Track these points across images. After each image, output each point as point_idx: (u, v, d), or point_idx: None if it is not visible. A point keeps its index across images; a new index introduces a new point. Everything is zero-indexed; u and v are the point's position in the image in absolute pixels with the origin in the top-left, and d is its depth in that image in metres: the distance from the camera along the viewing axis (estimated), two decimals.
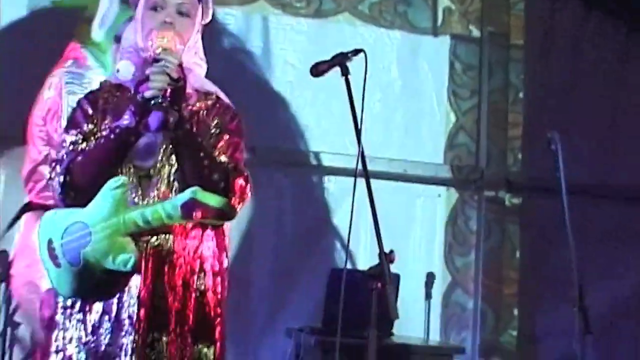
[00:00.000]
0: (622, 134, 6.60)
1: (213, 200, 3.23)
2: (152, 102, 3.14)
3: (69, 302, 3.37)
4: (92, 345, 3.32)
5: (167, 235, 3.32)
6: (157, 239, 3.31)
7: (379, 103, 6.29)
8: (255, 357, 6.10)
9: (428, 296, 6.04)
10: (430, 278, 6.05)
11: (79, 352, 3.32)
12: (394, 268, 5.45)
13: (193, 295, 3.37)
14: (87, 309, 3.33)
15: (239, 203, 3.33)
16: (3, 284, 5.25)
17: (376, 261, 3.35)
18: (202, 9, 3.46)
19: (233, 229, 4.51)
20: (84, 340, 3.33)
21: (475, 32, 6.55)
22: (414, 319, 6.06)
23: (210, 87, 3.54)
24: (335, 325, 4.63)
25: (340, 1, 6.31)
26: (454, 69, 6.50)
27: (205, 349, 3.37)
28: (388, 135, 6.30)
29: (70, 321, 3.36)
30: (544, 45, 6.59)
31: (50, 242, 3.32)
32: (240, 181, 3.34)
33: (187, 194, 3.19)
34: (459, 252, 6.41)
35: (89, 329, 3.33)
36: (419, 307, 6.05)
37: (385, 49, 6.37)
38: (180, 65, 3.22)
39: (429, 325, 6.03)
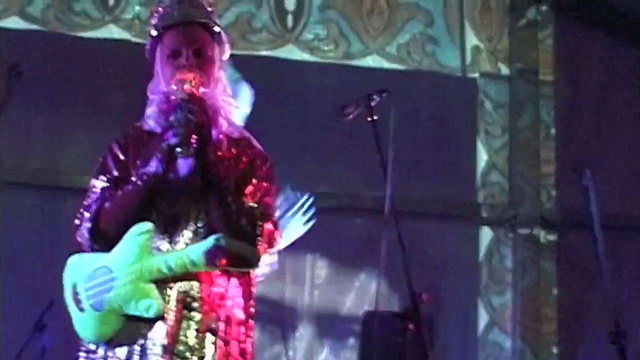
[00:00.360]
0: None
1: (237, 247, 3.20)
2: (178, 150, 3.13)
3: (92, 347, 3.34)
4: None
5: (193, 282, 3.27)
6: (182, 286, 3.27)
7: (409, 144, 6.15)
8: None
9: (468, 338, 6.21)
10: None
11: None
12: (426, 308, 4.99)
13: (217, 344, 3.32)
14: (111, 355, 3.28)
15: (267, 248, 3.31)
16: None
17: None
18: (219, 45, 3.46)
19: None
20: None
21: (504, 70, 6.56)
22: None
23: (241, 131, 3.50)
24: None
25: (367, 43, 6.36)
26: (484, 108, 6.50)
27: None
28: (419, 175, 6.25)
29: None
30: (574, 80, 6.60)
31: (74, 286, 3.32)
32: (268, 226, 3.30)
33: (210, 240, 3.15)
34: (496, 291, 6.34)
35: None
36: (457, 348, 6.19)
37: (414, 90, 6.35)
38: (205, 109, 3.19)
39: None
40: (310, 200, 4.52)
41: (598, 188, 4.50)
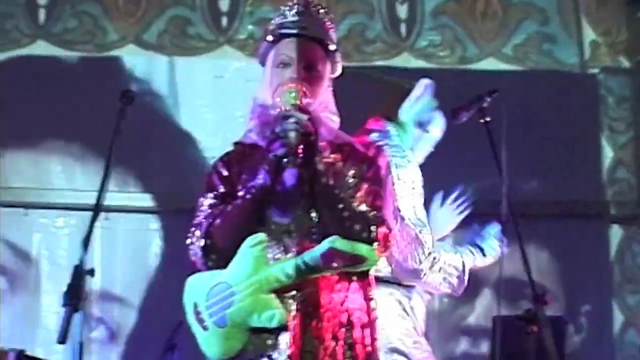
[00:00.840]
0: None
1: (352, 247, 3.23)
2: (285, 160, 3.17)
3: None
4: None
5: (313, 289, 3.31)
6: (302, 294, 3.31)
7: (531, 144, 6.18)
8: None
9: (603, 340, 6.09)
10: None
11: None
12: (558, 310, 5.69)
13: (342, 349, 3.33)
14: None
15: (383, 251, 3.34)
16: None
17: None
18: (330, 63, 3.49)
19: None
20: None
21: (625, 63, 6.45)
22: None
23: (345, 137, 3.54)
24: None
25: (483, 47, 6.34)
26: (606, 103, 6.40)
27: None
28: (543, 176, 6.22)
29: None
30: None
31: (195, 306, 3.37)
32: (382, 229, 3.33)
33: (325, 244, 3.20)
34: (630, 289, 6.24)
35: None
36: (592, 350, 6.06)
37: (533, 89, 6.29)
38: (310, 119, 3.24)
39: None
40: (464, 191, 4.47)
41: None
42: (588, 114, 6.37)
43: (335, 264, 3.19)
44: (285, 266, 3.22)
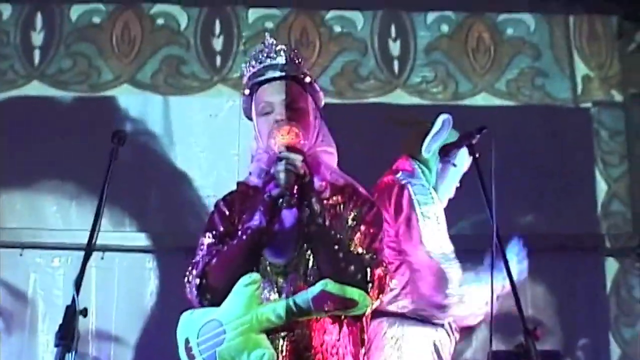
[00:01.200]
0: None
1: (345, 291, 3.21)
2: (280, 200, 3.20)
3: None
4: None
5: (304, 331, 3.30)
6: (293, 335, 3.29)
7: (526, 179, 6.22)
8: None
9: None
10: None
11: None
12: (555, 344, 5.75)
13: None
14: None
15: (378, 295, 3.31)
16: None
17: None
18: (311, 95, 3.53)
19: None
20: None
21: (618, 97, 6.43)
22: None
23: (346, 178, 3.54)
24: None
25: (476, 82, 6.32)
26: (599, 136, 6.36)
27: None
28: (539, 209, 6.18)
29: None
30: None
31: (187, 341, 3.36)
32: (378, 271, 3.30)
33: (317, 286, 3.19)
34: (626, 322, 6.15)
35: None
36: None
37: (527, 124, 6.32)
38: (304, 160, 3.24)
39: None
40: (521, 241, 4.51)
41: None
42: (582, 148, 6.36)
43: (326, 307, 3.18)
44: (276, 307, 3.22)
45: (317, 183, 3.40)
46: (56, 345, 3.23)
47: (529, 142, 6.24)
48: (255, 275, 3.27)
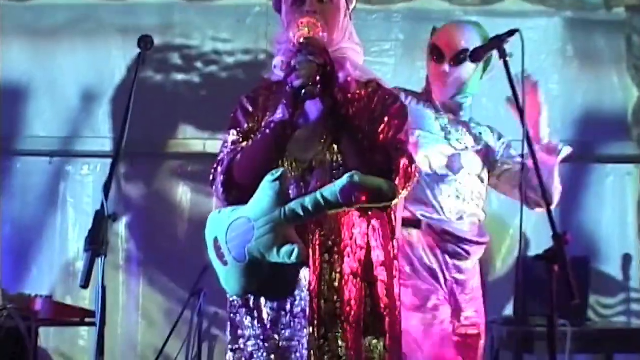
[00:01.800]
0: None
1: (372, 181, 3.20)
2: (303, 91, 3.16)
3: (242, 301, 3.45)
4: (272, 341, 3.37)
5: (333, 225, 3.31)
6: (322, 229, 3.30)
7: (556, 85, 6.25)
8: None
9: (627, 278, 6.12)
10: (627, 259, 6.12)
11: (259, 350, 3.38)
12: (584, 251, 5.86)
13: (361, 284, 3.37)
14: (263, 305, 3.40)
15: (404, 183, 3.29)
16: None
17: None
18: None
19: None
20: (262, 337, 3.38)
21: None
22: (613, 302, 6.19)
23: (370, 74, 3.54)
24: (526, 316, 5.31)
25: None
26: (631, 42, 6.31)
27: (374, 341, 3.35)
28: (569, 116, 6.21)
29: (246, 318, 3.43)
30: None
31: (216, 240, 3.38)
32: (403, 161, 3.30)
33: (344, 178, 3.15)
34: None
35: (268, 325, 3.38)
36: (617, 290, 6.15)
37: (558, 30, 6.33)
38: (325, 50, 3.23)
39: (630, 308, 6.15)
40: None
41: None
42: (614, 54, 6.33)
43: (354, 199, 3.16)
44: (304, 201, 3.20)
45: (342, 78, 3.40)
46: (86, 251, 3.23)
47: (561, 47, 6.28)
48: (282, 169, 3.24)
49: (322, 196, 3.15)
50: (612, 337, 5.80)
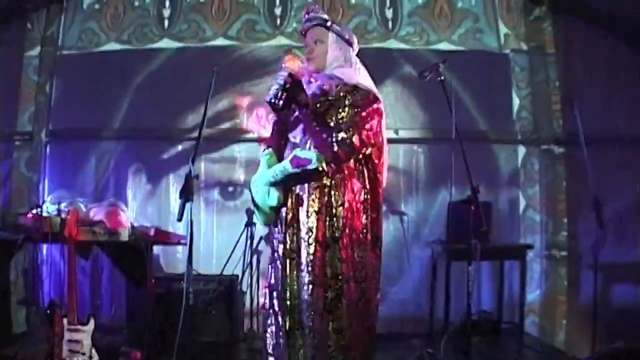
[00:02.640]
0: (617, 99, 7.48)
1: (306, 154, 3.83)
2: (271, 102, 3.83)
3: (270, 228, 4.23)
4: (285, 253, 4.08)
5: (305, 184, 4.00)
6: (298, 187, 4.01)
7: (470, 96, 7.56)
8: (408, 260, 7.38)
9: (513, 215, 7.46)
10: (512, 203, 7.42)
11: (277, 259, 4.12)
12: (487, 197, 6.64)
13: (322, 218, 4.00)
14: (281, 231, 4.11)
15: (344, 154, 3.93)
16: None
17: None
18: (332, 33, 4.18)
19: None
20: (281, 250, 4.10)
21: (524, 47, 7.73)
22: (506, 230, 7.45)
23: (359, 82, 4.06)
24: (454, 238, 6.27)
25: (440, 35, 7.60)
26: (514, 71, 7.74)
27: (358, 252, 4.03)
28: (479, 115, 7.57)
29: (274, 237, 4.19)
30: (566, 51, 7.63)
31: (251, 194, 4.22)
32: (341, 134, 3.89)
33: (293, 152, 3.91)
34: (529, 185, 7.62)
35: (286, 243, 4.08)
36: (507, 222, 7.47)
37: (470, 63, 7.55)
38: (290, 75, 3.83)
39: (513, 232, 7.48)
40: None
41: (583, 116, 5.64)
42: (504, 77, 7.78)
43: (298, 166, 3.84)
44: (275, 168, 3.97)
45: (327, 86, 3.97)
46: (180, 198, 3.90)
47: (472, 73, 7.47)
48: (268, 150, 4.04)
49: (283, 166, 3.94)
50: (503, 251, 7.00)
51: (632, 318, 6.75)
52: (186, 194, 3.84)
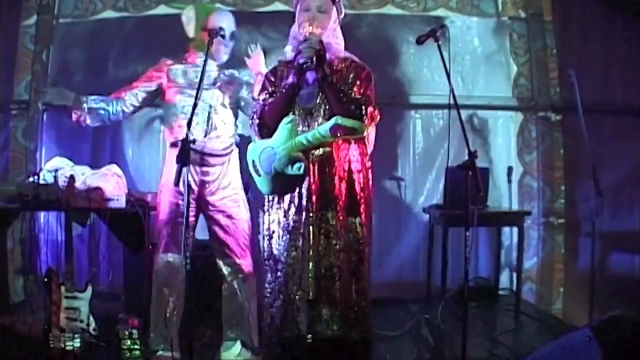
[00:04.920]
0: (612, 67, 7.46)
1: (350, 122, 3.80)
2: (305, 65, 3.80)
3: (270, 198, 4.10)
4: (285, 223, 4.02)
5: (326, 149, 3.93)
6: (319, 152, 3.93)
7: (469, 63, 7.51)
8: (405, 226, 7.40)
9: (509, 182, 7.33)
10: (510, 170, 7.35)
11: (277, 229, 4.07)
12: (485, 164, 6.77)
13: (345, 185, 3.97)
14: (282, 200, 4.04)
15: (370, 123, 3.90)
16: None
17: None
18: (336, 8, 4.12)
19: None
20: (280, 220, 4.04)
21: (523, 14, 7.60)
22: (503, 197, 7.40)
23: (347, 55, 4.09)
24: (451, 203, 6.18)
25: (437, 1, 7.51)
26: (512, 38, 7.62)
27: (354, 219, 3.99)
28: (477, 81, 7.48)
29: (272, 208, 4.12)
30: (565, 19, 7.53)
31: (253, 162, 4.03)
32: (370, 109, 3.86)
33: (332, 121, 3.79)
34: (527, 152, 7.56)
35: (282, 213, 4.04)
36: (505, 189, 7.38)
37: (468, 28, 7.53)
38: (320, 41, 3.82)
39: (511, 199, 7.38)
40: None
41: (581, 84, 5.64)
42: (502, 44, 7.62)
43: (339, 134, 3.80)
44: (307, 135, 3.83)
45: (329, 57, 3.93)
46: (177, 162, 3.95)
47: (470, 39, 7.46)
48: (292, 116, 3.88)
49: (318, 132, 3.81)
50: (500, 217, 6.93)
51: (629, 286, 6.80)
52: (183, 159, 3.88)
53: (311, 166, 3.89)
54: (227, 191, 4.94)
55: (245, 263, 4.99)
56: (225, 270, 4.99)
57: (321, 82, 3.86)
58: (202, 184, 4.88)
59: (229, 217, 4.94)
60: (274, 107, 3.99)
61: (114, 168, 5.70)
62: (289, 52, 4.03)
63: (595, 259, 5.76)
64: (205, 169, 4.81)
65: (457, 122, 4.16)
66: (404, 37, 7.39)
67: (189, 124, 3.91)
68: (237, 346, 5.04)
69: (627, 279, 6.99)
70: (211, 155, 4.80)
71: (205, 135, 4.76)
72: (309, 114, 3.96)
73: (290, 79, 3.90)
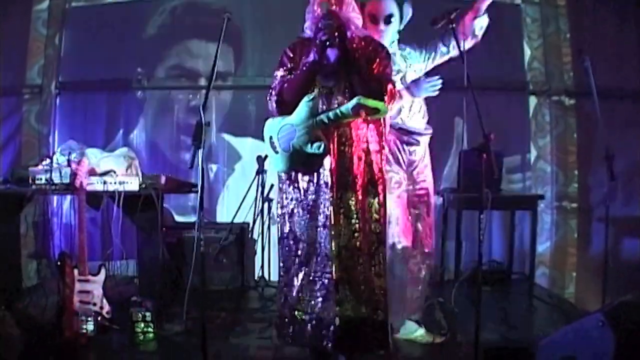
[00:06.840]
0: (626, 53, 7.43)
1: (372, 102, 3.75)
2: (327, 42, 3.74)
3: (287, 176, 4.02)
4: (304, 201, 3.97)
5: (346, 128, 3.87)
6: (339, 131, 3.88)
7: (483, 46, 5.83)
8: None
9: (524, 164, 7.47)
10: (524, 153, 7.39)
11: (295, 207, 3.99)
12: (498, 147, 5.86)
13: (364, 165, 3.92)
14: (300, 178, 3.96)
15: (390, 101, 3.85)
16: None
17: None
18: None
19: None
20: (299, 199, 3.97)
21: None
22: (516, 181, 7.55)
23: (365, 32, 4.07)
24: (465, 186, 5.88)
25: None
26: (525, 22, 7.70)
27: (372, 200, 3.95)
28: (490, 66, 7.26)
29: (289, 187, 4.02)
30: (578, 3, 7.58)
31: (270, 138, 3.97)
32: (390, 87, 3.83)
33: (354, 100, 3.75)
34: (540, 136, 7.64)
35: (302, 191, 3.95)
36: (518, 171, 7.50)
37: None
38: (339, 18, 3.79)
39: (525, 183, 7.55)
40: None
41: (595, 69, 5.35)
42: (515, 28, 7.66)
43: (360, 113, 3.77)
44: (329, 114, 3.79)
45: (349, 35, 3.90)
46: (191, 145, 3.89)
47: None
48: (314, 94, 3.83)
49: (340, 111, 3.78)
50: (514, 201, 6.98)
51: None
52: (197, 142, 3.83)
53: (331, 145, 3.86)
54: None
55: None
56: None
57: (343, 60, 3.84)
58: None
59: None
60: (294, 85, 3.94)
61: (128, 151, 5.76)
62: (308, 27, 4.00)
63: (608, 244, 5.67)
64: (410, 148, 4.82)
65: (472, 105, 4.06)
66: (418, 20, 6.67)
67: (203, 107, 3.83)
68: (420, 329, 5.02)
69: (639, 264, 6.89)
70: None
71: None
72: (329, 92, 3.93)
73: (311, 57, 3.86)
